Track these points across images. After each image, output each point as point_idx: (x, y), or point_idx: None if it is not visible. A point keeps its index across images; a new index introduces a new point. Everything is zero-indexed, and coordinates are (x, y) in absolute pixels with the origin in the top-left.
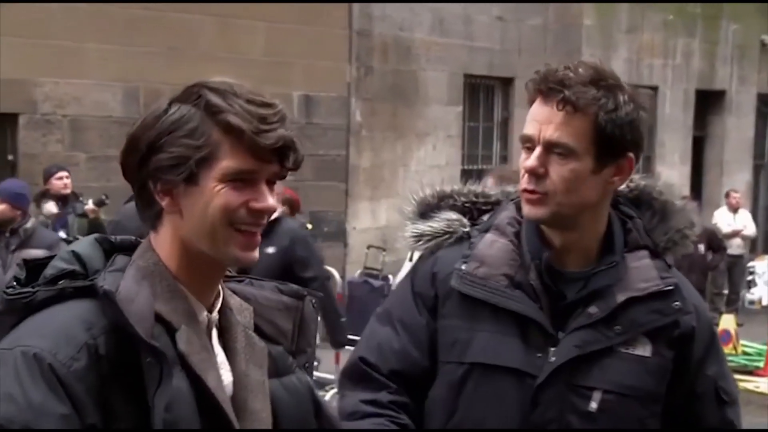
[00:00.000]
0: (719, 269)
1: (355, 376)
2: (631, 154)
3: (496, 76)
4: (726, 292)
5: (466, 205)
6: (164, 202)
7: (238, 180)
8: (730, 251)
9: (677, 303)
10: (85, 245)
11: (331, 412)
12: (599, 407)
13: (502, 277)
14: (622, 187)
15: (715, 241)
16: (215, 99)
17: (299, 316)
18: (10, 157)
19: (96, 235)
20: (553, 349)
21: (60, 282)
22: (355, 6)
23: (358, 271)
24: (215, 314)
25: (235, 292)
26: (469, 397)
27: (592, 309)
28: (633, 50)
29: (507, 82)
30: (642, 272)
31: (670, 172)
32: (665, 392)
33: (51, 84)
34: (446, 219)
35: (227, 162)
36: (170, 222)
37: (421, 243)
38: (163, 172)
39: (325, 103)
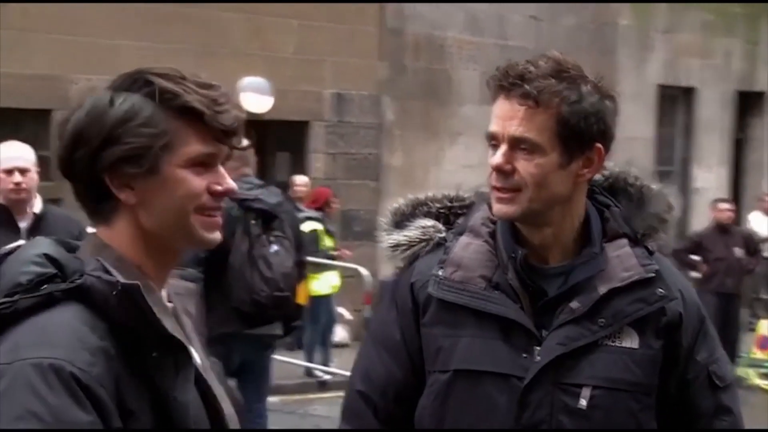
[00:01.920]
0: (756, 273)
1: (347, 409)
2: (599, 145)
3: None
4: (765, 297)
5: (441, 210)
6: (123, 195)
7: (198, 164)
8: (766, 254)
9: (661, 290)
10: (51, 247)
11: (237, 394)
12: (589, 404)
13: (480, 279)
14: (597, 176)
15: (752, 244)
16: (168, 84)
17: (198, 299)
18: (42, 153)
19: (50, 237)
20: (538, 348)
21: (43, 287)
22: (388, 4)
23: (390, 270)
24: (170, 303)
25: None
26: (456, 405)
27: (574, 304)
28: (670, 51)
29: None
30: (622, 261)
31: (707, 175)
32: (659, 382)
33: (84, 80)
34: (421, 226)
35: (188, 147)
36: (128, 215)
37: (398, 253)
38: (123, 163)
39: (357, 101)
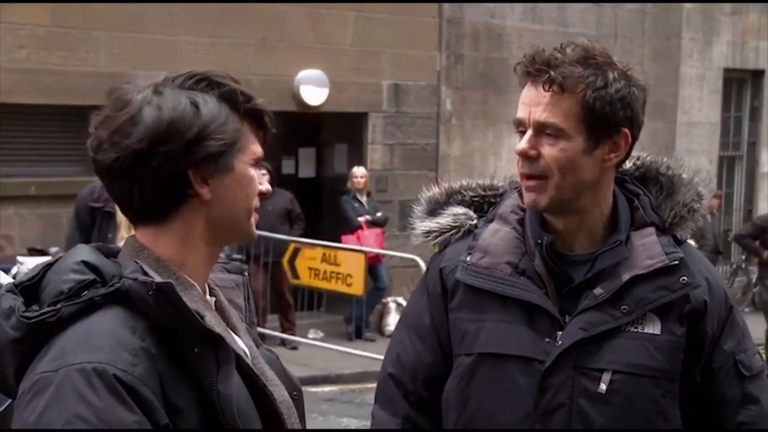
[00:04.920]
0: None
1: (380, 392)
2: (626, 130)
3: None
4: None
5: (475, 199)
6: (204, 190)
7: (254, 165)
8: None
9: (684, 278)
10: (89, 254)
11: (292, 373)
12: (609, 388)
13: (506, 265)
14: (628, 165)
15: None
16: (240, 87)
17: (246, 290)
18: None
19: (90, 244)
20: (560, 333)
21: (83, 293)
22: None
23: None
24: (209, 296)
25: None
26: (479, 388)
27: (598, 290)
28: (737, 33)
29: None
30: (647, 249)
31: None
32: (683, 369)
33: (145, 77)
34: (452, 214)
35: (253, 146)
36: (194, 209)
37: (429, 239)
38: (209, 160)
39: (415, 91)
